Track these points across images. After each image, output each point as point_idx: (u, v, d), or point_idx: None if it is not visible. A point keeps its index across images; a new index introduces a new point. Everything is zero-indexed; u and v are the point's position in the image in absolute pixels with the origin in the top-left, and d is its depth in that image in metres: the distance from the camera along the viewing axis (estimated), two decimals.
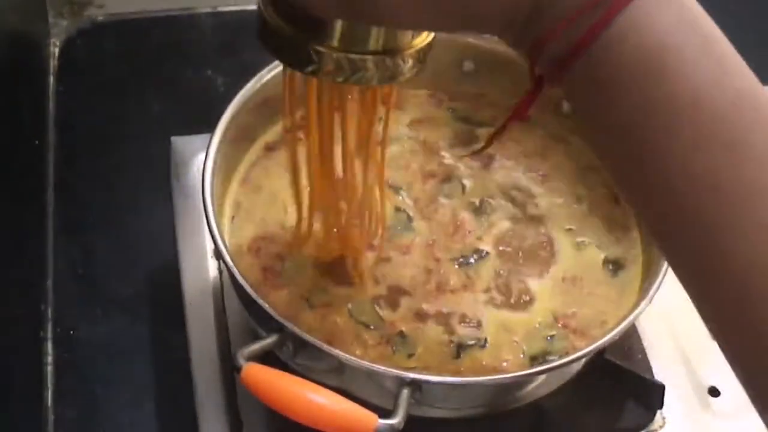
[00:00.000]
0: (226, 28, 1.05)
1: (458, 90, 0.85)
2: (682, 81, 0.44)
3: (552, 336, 0.72)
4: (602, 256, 0.76)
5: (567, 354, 0.70)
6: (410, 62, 0.56)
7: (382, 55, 0.55)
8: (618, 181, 0.49)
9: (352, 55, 0.54)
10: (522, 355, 0.71)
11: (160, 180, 0.87)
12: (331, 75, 0.55)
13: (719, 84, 0.44)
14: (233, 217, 0.76)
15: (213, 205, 0.71)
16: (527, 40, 0.47)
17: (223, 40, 1.04)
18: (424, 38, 0.56)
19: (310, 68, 0.55)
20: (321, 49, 0.54)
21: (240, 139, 0.78)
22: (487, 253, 0.76)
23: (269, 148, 0.80)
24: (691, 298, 0.48)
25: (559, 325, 0.72)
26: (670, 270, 0.69)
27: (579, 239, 0.77)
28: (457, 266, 0.75)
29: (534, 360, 0.70)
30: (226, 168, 0.76)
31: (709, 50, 0.45)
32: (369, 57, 0.55)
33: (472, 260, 0.75)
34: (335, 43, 0.54)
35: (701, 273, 0.47)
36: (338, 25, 0.54)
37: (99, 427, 0.78)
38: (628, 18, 0.44)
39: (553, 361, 0.69)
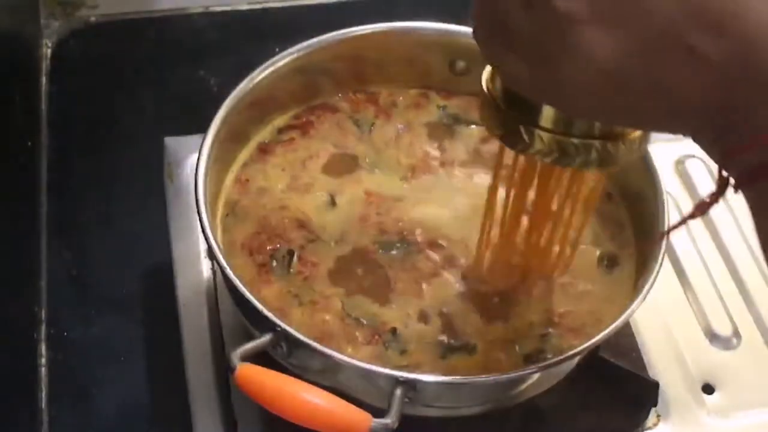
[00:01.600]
0: (218, 28, 1.05)
1: (450, 89, 0.85)
2: None
3: (545, 335, 0.72)
4: (597, 252, 0.76)
5: (561, 352, 0.70)
6: (626, 149, 0.57)
7: (592, 140, 0.56)
8: None
9: (563, 138, 0.56)
10: (515, 354, 0.71)
11: (154, 180, 0.87)
12: (540, 155, 0.57)
13: None
14: (227, 215, 0.76)
15: (206, 205, 0.71)
16: (722, 145, 0.47)
17: (216, 41, 1.04)
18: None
19: (519, 146, 0.58)
20: (533, 129, 0.56)
21: (233, 139, 0.78)
22: None
23: (263, 149, 0.80)
24: None
25: (555, 320, 0.72)
26: (663, 268, 0.70)
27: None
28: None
29: (528, 359, 0.70)
30: (219, 168, 0.76)
31: None
32: (577, 141, 0.56)
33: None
34: (546, 124, 0.56)
35: None
36: (547, 108, 0.56)
37: (93, 427, 0.78)
38: None
39: (547, 359, 0.69)
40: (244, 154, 0.80)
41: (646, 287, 0.69)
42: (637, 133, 0.57)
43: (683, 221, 0.56)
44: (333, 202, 0.77)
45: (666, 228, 0.63)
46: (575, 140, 0.56)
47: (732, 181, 0.48)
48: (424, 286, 0.73)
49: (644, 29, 0.46)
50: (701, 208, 0.52)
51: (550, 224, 0.69)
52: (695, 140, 0.49)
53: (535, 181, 0.66)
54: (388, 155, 0.81)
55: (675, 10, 0.45)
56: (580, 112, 0.53)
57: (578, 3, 0.46)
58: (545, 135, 0.56)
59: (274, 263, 0.74)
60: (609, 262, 0.76)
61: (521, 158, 0.64)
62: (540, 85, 0.50)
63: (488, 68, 0.59)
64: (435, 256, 0.75)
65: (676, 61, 0.45)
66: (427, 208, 0.78)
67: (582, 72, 0.47)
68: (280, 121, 0.82)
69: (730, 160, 0.47)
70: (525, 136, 0.57)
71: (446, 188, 0.79)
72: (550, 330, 0.72)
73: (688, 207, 0.89)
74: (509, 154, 0.64)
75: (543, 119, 0.56)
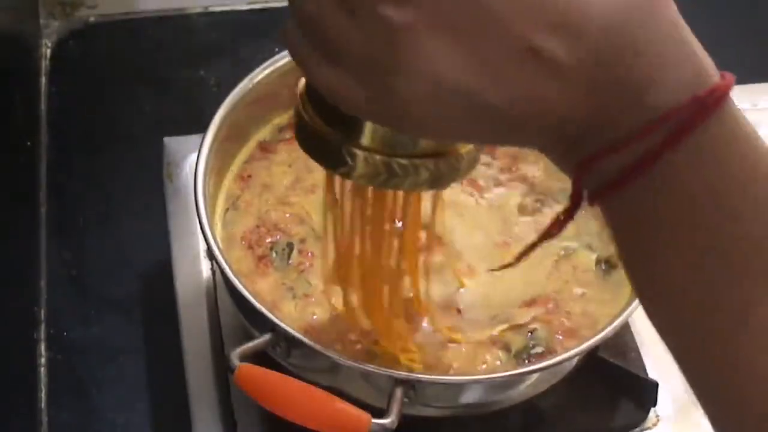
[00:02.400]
0: (218, 29, 1.05)
1: None
2: (758, 219, 0.41)
3: (533, 331, 0.72)
4: (594, 256, 0.76)
5: (550, 344, 0.70)
6: (453, 166, 0.52)
7: (421, 158, 0.51)
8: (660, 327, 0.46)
9: (388, 159, 0.51)
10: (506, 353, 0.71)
11: (153, 180, 0.87)
12: (364, 178, 0.52)
13: None
14: (227, 209, 0.76)
15: (206, 205, 0.71)
16: (574, 157, 0.43)
17: (216, 41, 1.03)
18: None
19: (343, 169, 0.52)
20: (354, 149, 0.51)
21: (232, 139, 0.78)
22: None
23: (262, 148, 0.80)
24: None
25: (541, 311, 0.73)
26: None
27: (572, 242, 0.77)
28: None
29: (518, 356, 0.70)
30: (218, 168, 0.76)
31: None
32: (405, 161, 0.51)
33: None
34: (368, 143, 0.51)
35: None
36: (370, 125, 0.50)
37: (93, 427, 0.78)
38: (698, 143, 0.40)
39: (537, 353, 0.69)
40: (244, 153, 0.80)
41: None
42: (470, 146, 0.53)
43: (533, 245, 0.51)
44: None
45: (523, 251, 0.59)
46: (403, 160, 0.51)
47: (585, 195, 0.44)
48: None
49: (483, 36, 0.40)
50: (553, 230, 0.48)
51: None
52: (544, 153, 0.44)
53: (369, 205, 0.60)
54: None
55: (511, 9, 0.40)
56: (419, 131, 0.46)
57: (407, 10, 0.40)
58: (370, 156, 0.51)
59: (274, 254, 0.74)
60: (607, 265, 0.76)
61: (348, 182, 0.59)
62: (372, 104, 0.43)
63: (302, 81, 0.53)
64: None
65: (523, 69, 0.40)
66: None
67: (419, 88, 0.41)
68: (280, 120, 0.82)
69: (583, 172, 0.43)
70: (347, 158, 0.51)
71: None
72: (537, 325, 0.72)
73: None
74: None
75: (365, 138, 0.50)
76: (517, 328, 0.72)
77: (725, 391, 0.43)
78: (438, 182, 0.53)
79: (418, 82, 0.41)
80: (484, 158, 0.79)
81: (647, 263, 0.44)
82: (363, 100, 0.43)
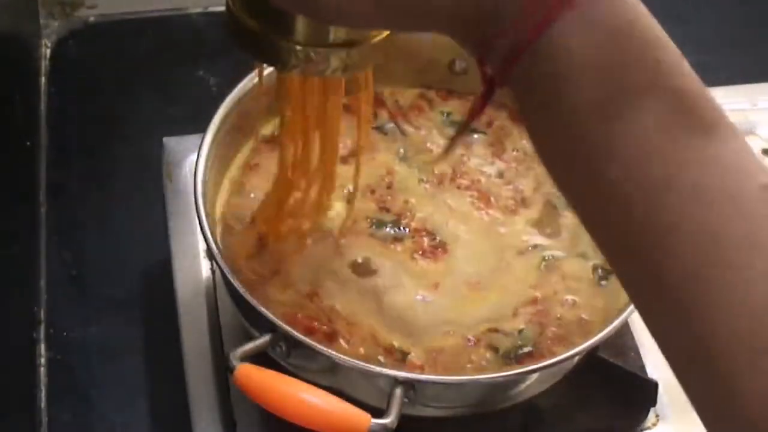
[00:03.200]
0: (217, 29, 1.04)
1: (449, 88, 0.85)
2: (629, 74, 0.44)
3: (520, 331, 0.72)
4: (590, 264, 0.76)
5: (537, 344, 0.70)
6: (375, 51, 0.58)
7: (342, 47, 0.56)
8: (560, 183, 0.48)
9: (312, 49, 0.56)
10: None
11: (153, 180, 0.87)
12: (295, 69, 0.57)
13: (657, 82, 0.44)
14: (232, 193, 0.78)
15: (205, 205, 0.71)
16: (477, 38, 0.47)
17: (215, 41, 1.03)
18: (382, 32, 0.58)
19: (276, 62, 0.58)
20: (284, 43, 0.56)
21: (232, 139, 0.78)
22: None
23: (261, 148, 0.80)
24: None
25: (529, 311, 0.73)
26: None
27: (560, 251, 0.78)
28: None
29: (506, 356, 0.70)
30: (218, 168, 0.76)
31: (647, 54, 0.44)
32: (327, 50, 0.56)
33: None
34: (298, 37, 0.56)
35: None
36: (298, 19, 0.55)
37: (92, 427, 0.78)
38: (577, 15, 0.44)
39: (524, 354, 0.70)
40: (243, 154, 0.80)
41: None
42: (381, 36, 0.58)
43: (462, 130, 0.59)
44: None
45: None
46: (321, 50, 0.56)
47: (495, 78, 0.47)
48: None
49: None
50: (473, 115, 0.52)
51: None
52: (452, 37, 0.48)
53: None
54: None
55: None
56: (336, 21, 0.52)
57: None
58: (299, 48, 0.56)
59: None
60: (603, 272, 0.76)
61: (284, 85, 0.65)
62: None
63: None
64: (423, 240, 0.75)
65: None
66: (436, 214, 0.78)
67: None
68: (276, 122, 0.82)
69: (486, 54, 0.47)
70: (277, 52, 0.57)
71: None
72: (524, 325, 0.72)
73: None
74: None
75: (290, 32, 0.56)
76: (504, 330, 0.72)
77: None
78: (350, 69, 0.58)
79: None
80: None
81: (549, 130, 0.46)
82: None
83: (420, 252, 0.75)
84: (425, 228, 0.76)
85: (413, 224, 0.76)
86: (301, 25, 0.55)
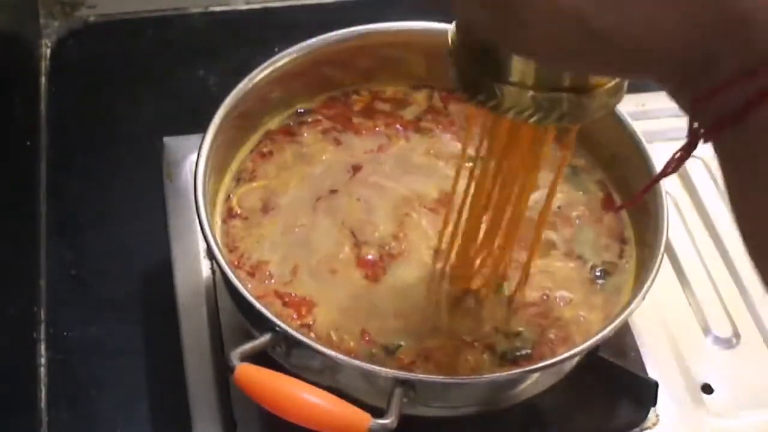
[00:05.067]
0: (218, 28, 1.05)
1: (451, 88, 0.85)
2: None
3: (518, 333, 0.72)
4: (590, 263, 0.76)
5: (536, 346, 0.71)
6: (597, 103, 0.55)
7: (568, 92, 0.54)
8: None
9: (534, 92, 0.54)
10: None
11: (153, 180, 0.87)
12: (513, 112, 0.55)
13: None
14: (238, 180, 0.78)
15: (205, 205, 0.71)
16: (688, 92, 0.44)
17: (215, 40, 1.03)
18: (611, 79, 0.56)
19: (491, 103, 0.56)
20: (503, 85, 0.55)
21: (232, 139, 0.78)
22: None
23: (261, 147, 0.80)
24: None
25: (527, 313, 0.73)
26: (663, 268, 0.70)
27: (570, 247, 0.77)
28: None
29: (504, 358, 0.71)
30: (218, 168, 0.76)
31: None
32: (549, 95, 0.54)
33: None
34: (516, 78, 0.54)
35: None
36: (516, 61, 0.54)
37: (93, 427, 0.77)
38: None
39: (523, 356, 0.70)
40: (243, 154, 0.80)
41: (646, 287, 0.69)
42: (608, 84, 0.55)
43: (656, 180, 0.55)
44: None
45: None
46: (545, 93, 0.54)
47: (705, 134, 0.45)
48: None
49: None
50: (674, 164, 0.50)
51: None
52: (661, 86, 0.46)
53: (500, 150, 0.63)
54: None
55: None
56: (541, 55, 0.49)
57: None
58: (516, 90, 0.55)
59: None
60: (602, 272, 0.76)
61: (489, 124, 0.63)
62: (495, 25, 0.47)
63: (454, 24, 0.58)
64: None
65: None
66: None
67: (536, 8, 0.44)
68: (281, 119, 0.82)
69: (698, 109, 0.44)
70: (496, 92, 0.55)
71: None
72: (523, 327, 0.72)
73: (688, 207, 0.90)
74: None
75: (512, 74, 0.54)
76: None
77: None
78: (577, 116, 0.56)
79: (537, 6, 0.44)
80: None
81: (759, 198, 0.44)
82: (487, 21, 0.47)
83: None
84: None
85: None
86: (518, 65, 0.54)
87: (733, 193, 0.45)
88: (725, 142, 0.44)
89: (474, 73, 0.56)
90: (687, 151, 0.47)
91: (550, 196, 0.68)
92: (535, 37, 0.45)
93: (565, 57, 0.47)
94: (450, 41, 0.58)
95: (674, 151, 0.49)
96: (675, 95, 0.45)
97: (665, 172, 0.51)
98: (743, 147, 0.43)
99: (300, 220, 0.77)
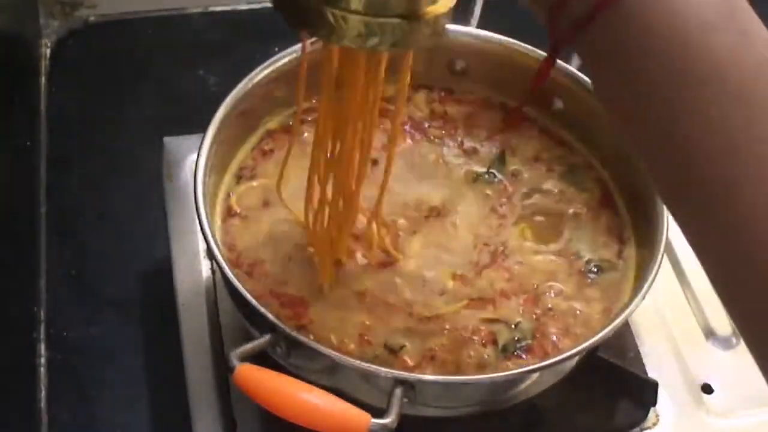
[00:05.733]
0: (218, 28, 1.05)
1: (450, 88, 0.85)
2: (704, 50, 0.44)
3: (517, 324, 0.72)
4: (585, 258, 0.76)
5: (536, 336, 0.71)
6: (427, 29, 0.55)
7: (399, 19, 0.53)
8: (637, 146, 0.50)
9: (367, 18, 0.53)
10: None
11: (153, 180, 0.87)
12: (345, 39, 0.54)
13: (742, 54, 0.45)
14: (239, 177, 0.79)
15: (205, 205, 0.71)
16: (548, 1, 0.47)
17: (215, 40, 1.04)
18: (444, 4, 0.55)
19: (323, 32, 0.54)
20: (335, 11, 0.53)
21: (232, 139, 0.78)
22: None
23: (263, 145, 0.80)
24: (696, 247, 0.50)
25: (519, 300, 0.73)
26: (662, 268, 0.70)
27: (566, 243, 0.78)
28: None
29: (505, 351, 0.71)
30: (218, 168, 0.76)
31: (732, 22, 0.45)
32: (384, 20, 0.53)
33: None
34: (351, 5, 0.53)
35: (713, 227, 0.48)
36: None
37: (93, 427, 0.78)
38: None
39: (523, 347, 0.70)
40: (243, 154, 0.80)
41: (646, 287, 0.69)
42: (441, 9, 0.55)
43: (533, 87, 0.59)
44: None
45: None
46: (377, 19, 0.53)
47: (561, 40, 0.48)
48: None
49: None
50: (540, 76, 0.54)
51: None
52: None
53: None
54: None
55: None
56: None
57: None
58: (351, 17, 0.53)
59: None
60: (596, 268, 0.76)
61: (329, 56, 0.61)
62: None
63: None
64: None
65: None
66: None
67: None
68: (281, 119, 0.82)
69: (557, 15, 0.47)
70: (331, 20, 0.53)
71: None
72: (520, 318, 0.72)
73: None
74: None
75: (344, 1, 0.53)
76: (498, 320, 0.72)
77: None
78: (411, 41, 0.55)
79: None
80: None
81: (619, 93, 0.47)
82: None
83: None
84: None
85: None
86: None
87: (597, 89, 0.49)
88: (581, 45, 0.47)
89: (304, 1, 0.54)
90: (552, 56, 0.50)
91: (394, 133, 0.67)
92: None
93: None
94: None
95: (541, 59, 0.53)
96: (534, 6, 0.48)
97: (537, 81, 0.56)
98: (596, 50, 0.47)
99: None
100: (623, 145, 0.77)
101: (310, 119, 0.82)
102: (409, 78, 0.64)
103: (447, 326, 0.71)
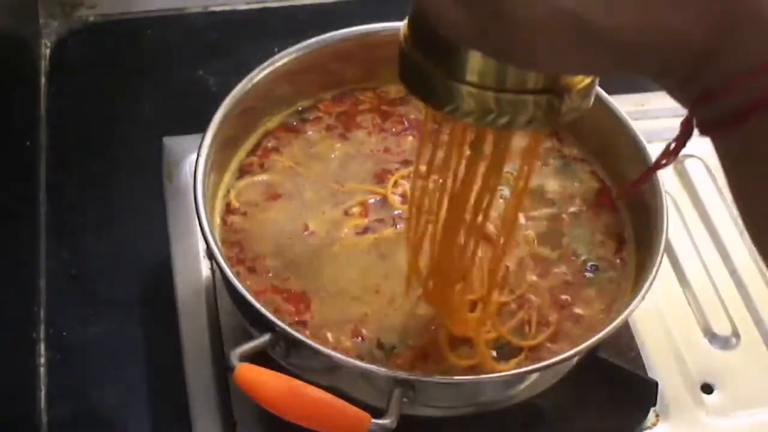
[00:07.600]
0: (217, 28, 1.05)
1: None
2: None
3: (517, 323, 0.72)
4: (582, 258, 0.76)
5: (528, 325, 0.71)
6: (566, 106, 0.48)
7: (532, 94, 0.48)
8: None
9: (497, 94, 0.48)
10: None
11: (153, 180, 0.87)
12: (472, 116, 0.48)
13: None
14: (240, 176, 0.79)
15: (205, 205, 0.71)
16: (694, 89, 0.42)
17: (215, 40, 1.03)
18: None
19: (448, 108, 0.49)
20: (461, 85, 0.48)
21: (232, 139, 0.78)
22: None
23: (261, 147, 0.80)
24: None
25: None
26: (663, 267, 0.70)
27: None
28: None
29: (499, 348, 0.71)
30: (218, 168, 0.76)
31: None
32: (514, 97, 0.48)
33: None
34: (476, 78, 0.47)
35: None
36: (475, 59, 0.47)
37: (92, 427, 0.77)
38: None
39: (524, 346, 0.71)
40: (242, 154, 0.80)
41: (645, 287, 0.69)
42: (585, 82, 0.49)
43: (651, 170, 0.52)
44: None
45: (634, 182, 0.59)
46: (511, 96, 0.47)
47: (703, 128, 0.43)
48: None
49: None
50: (668, 156, 0.48)
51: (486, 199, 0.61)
52: (657, 81, 0.43)
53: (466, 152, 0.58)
54: None
55: None
56: (531, 62, 0.44)
57: None
58: (476, 91, 0.47)
59: None
60: (592, 267, 0.76)
61: (450, 126, 0.56)
62: (479, 30, 0.42)
63: (407, 18, 0.51)
64: None
65: None
66: None
67: (533, 13, 0.40)
68: (281, 118, 0.82)
69: (698, 106, 0.42)
70: (453, 95, 0.48)
71: None
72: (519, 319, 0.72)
73: (687, 206, 0.90)
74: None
75: (470, 73, 0.47)
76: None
77: None
78: (549, 121, 0.49)
79: (534, 6, 0.40)
80: None
81: (760, 199, 0.43)
82: (470, 26, 0.42)
83: None
84: None
85: None
86: (482, 64, 0.47)
87: (734, 190, 0.44)
88: (725, 141, 0.43)
89: (427, 72, 0.48)
90: (680, 143, 0.46)
91: (516, 205, 0.64)
92: (528, 42, 0.41)
93: (558, 61, 0.43)
94: (402, 37, 0.51)
95: (668, 142, 0.47)
96: (674, 92, 0.44)
97: (659, 164, 0.49)
98: (743, 148, 0.42)
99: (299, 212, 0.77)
100: (612, 136, 0.78)
101: (312, 118, 0.82)
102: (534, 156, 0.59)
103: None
